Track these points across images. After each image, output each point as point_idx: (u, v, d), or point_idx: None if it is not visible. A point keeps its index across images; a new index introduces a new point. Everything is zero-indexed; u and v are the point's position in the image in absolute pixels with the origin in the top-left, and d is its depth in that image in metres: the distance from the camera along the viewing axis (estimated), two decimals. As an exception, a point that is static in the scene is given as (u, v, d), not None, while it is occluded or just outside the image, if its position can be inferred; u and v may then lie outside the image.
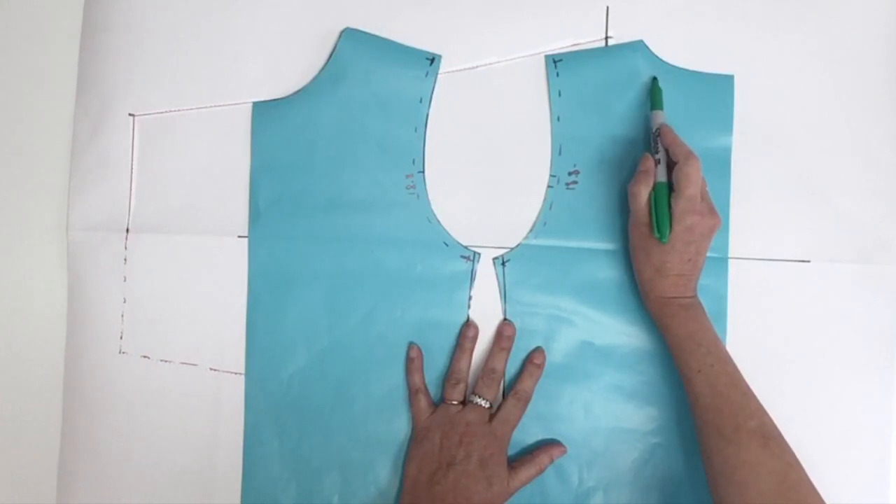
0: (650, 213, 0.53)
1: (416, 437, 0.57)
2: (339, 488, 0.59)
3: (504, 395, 0.58)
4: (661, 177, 0.53)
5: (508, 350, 0.58)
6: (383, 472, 0.59)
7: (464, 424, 0.55)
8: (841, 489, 0.58)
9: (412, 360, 0.58)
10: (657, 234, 0.52)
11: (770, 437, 0.49)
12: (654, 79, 0.58)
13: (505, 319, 0.59)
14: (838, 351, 0.59)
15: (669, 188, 0.53)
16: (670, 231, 0.52)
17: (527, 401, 0.57)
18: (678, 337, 0.53)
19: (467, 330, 0.58)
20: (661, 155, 0.54)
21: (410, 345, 0.59)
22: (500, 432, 0.55)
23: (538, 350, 0.58)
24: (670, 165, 0.54)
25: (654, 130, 0.55)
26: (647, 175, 0.53)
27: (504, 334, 0.58)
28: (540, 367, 0.58)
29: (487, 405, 0.56)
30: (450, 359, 0.59)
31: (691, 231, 0.52)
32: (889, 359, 0.59)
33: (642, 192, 0.53)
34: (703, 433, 0.51)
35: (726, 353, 0.52)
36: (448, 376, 0.58)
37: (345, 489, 0.59)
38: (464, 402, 0.57)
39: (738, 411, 0.50)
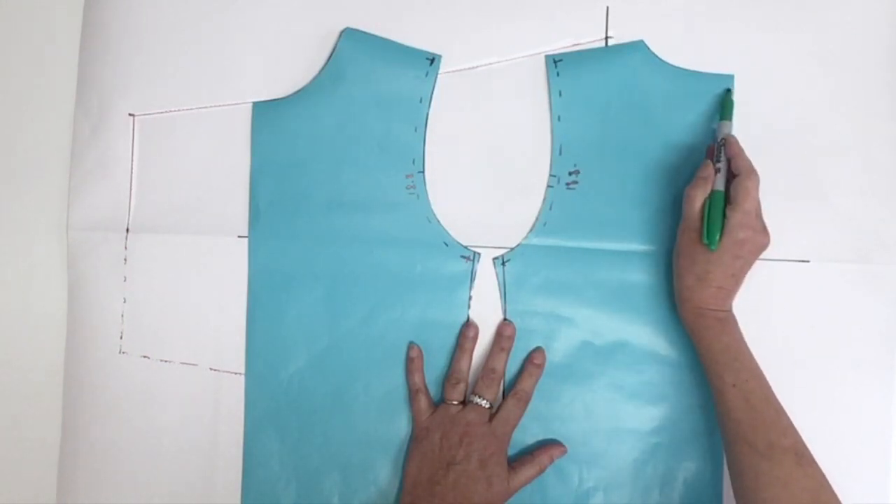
0: (702, 220, 0.53)
1: (416, 437, 0.57)
2: (339, 488, 0.59)
3: (504, 395, 0.58)
4: (719, 186, 0.53)
5: (508, 350, 0.58)
6: (383, 472, 0.59)
7: (464, 424, 0.55)
8: (841, 489, 0.58)
9: (412, 359, 0.58)
10: (706, 241, 0.52)
11: (803, 457, 0.49)
12: (728, 90, 0.58)
13: (505, 319, 0.59)
14: (838, 351, 0.59)
15: (725, 199, 0.53)
16: (720, 240, 0.51)
17: (527, 401, 0.57)
18: (713, 350, 0.52)
19: (467, 330, 0.58)
20: (722, 164, 0.54)
21: (410, 345, 0.59)
22: (501, 432, 0.55)
23: (538, 350, 0.58)
24: (728, 178, 0.54)
25: (719, 139, 0.55)
26: (706, 182, 0.53)
27: (504, 334, 0.58)
28: (540, 367, 0.58)
29: (487, 405, 0.56)
30: (450, 359, 0.59)
31: (742, 245, 0.52)
32: (889, 359, 0.59)
33: (698, 197, 0.53)
34: (734, 447, 0.51)
35: (760, 369, 0.52)
36: (448, 376, 0.58)
37: (345, 489, 0.59)
38: (464, 402, 0.57)
39: (772, 428, 0.50)
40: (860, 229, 0.59)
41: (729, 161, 0.54)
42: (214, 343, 0.60)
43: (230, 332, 0.60)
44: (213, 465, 0.59)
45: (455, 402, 0.57)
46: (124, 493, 0.60)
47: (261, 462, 0.59)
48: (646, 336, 0.59)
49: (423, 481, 0.54)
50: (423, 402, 0.57)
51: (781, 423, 0.50)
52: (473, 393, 0.57)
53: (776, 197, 0.59)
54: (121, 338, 0.60)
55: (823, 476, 0.49)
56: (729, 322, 0.53)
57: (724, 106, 0.58)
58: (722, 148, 0.55)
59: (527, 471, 0.56)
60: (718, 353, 0.52)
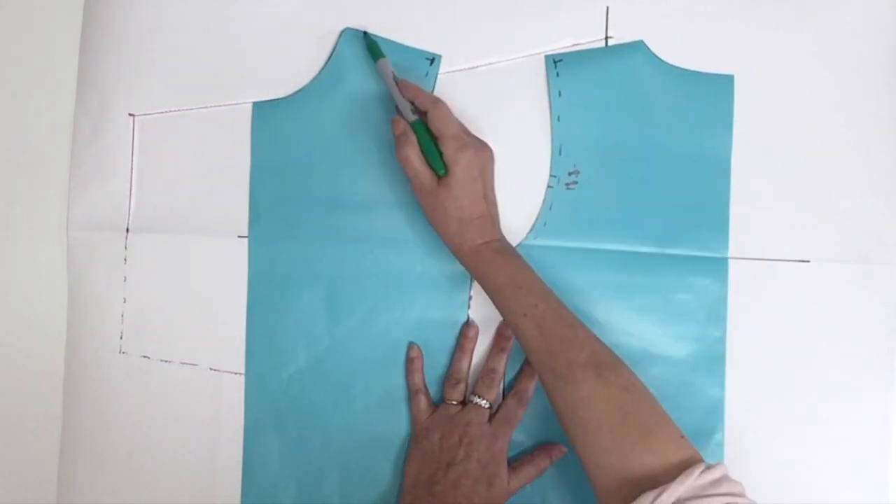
0: (428, 167, 0.53)
1: (416, 438, 0.57)
2: (339, 488, 0.59)
3: (504, 396, 0.58)
4: (410, 118, 0.54)
5: (508, 350, 0.58)
6: (383, 472, 0.59)
7: (463, 425, 0.55)
8: (841, 489, 0.58)
9: (412, 360, 0.58)
10: (437, 171, 0.52)
11: (602, 366, 0.48)
12: (364, 33, 0.58)
13: (504, 321, 0.59)
14: (838, 351, 0.59)
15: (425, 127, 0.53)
16: (448, 169, 0.52)
17: (527, 401, 0.57)
18: (498, 283, 0.51)
19: (467, 330, 0.58)
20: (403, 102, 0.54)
21: (410, 345, 0.59)
22: (501, 433, 0.55)
23: None
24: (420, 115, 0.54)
25: (391, 84, 0.55)
26: (407, 136, 0.53)
27: (503, 335, 0.58)
28: None
29: (487, 405, 0.56)
30: (450, 359, 0.59)
31: (471, 167, 0.52)
32: (889, 359, 0.59)
33: (411, 154, 0.52)
34: (541, 378, 0.50)
35: (549, 289, 0.52)
36: (448, 376, 0.58)
37: (345, 489, 0.59)
38: (464, 403, 0.57)
39: (569, 346, 0.48)
40: (860, 229, 0.59)
41: (412, 102, 0.54)
42: (214, 343, 0.60)
43: (230, 332, 0.60)
44: (213, 465, 0.59)
45: (455, 403, 0.56)
46: (124, 493, 0.60)
47: (261, 462, 0.59)
48: (646, 336, 0.59)
49: (422, 482, 0.54)
50: (422, 403, 0.57)
51: (577, 339, 0.49)
52: (473, 393, 0.57)
53: (776, 197, 0.59)
54: (121, 338, 0.60)
55: (629, 378, 0.48)
56: (506, 252, 0.53)
57: (370, 48, 0.57)
58: (396, 90, 0.55)
59: (526, 472, 0.56)
60: (504, 286, 0.51)
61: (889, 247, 0.59)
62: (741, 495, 0.43)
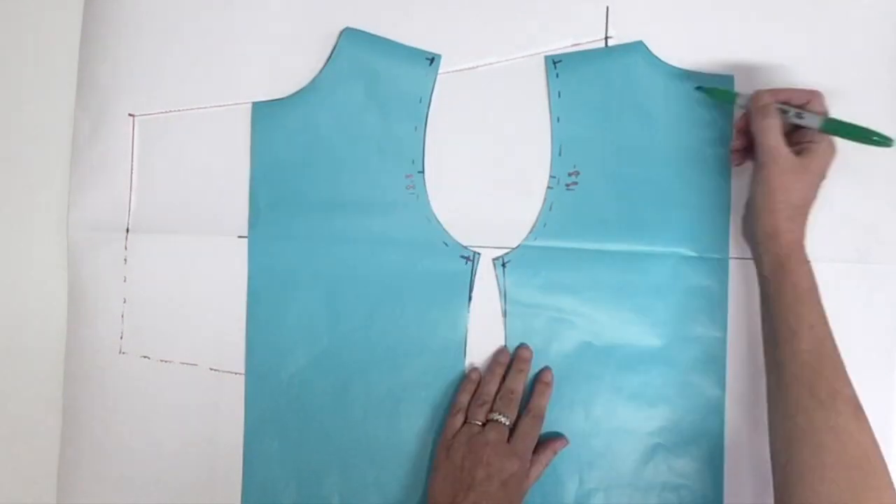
0: (776, 147, 0.51)
1: (440, 455, 0.56)
2: (338, 488, 0.59)
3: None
4: (813, 123, 0.52)
5: (526, 372, 0.58)
6: (383, 472, 0.59)
7: (483, 444, 0.54)
8: (841, 489, 0.58)
9: (471, 380, 0.58)
10: (881, 141, 0.51)
11: (861, 412, 0.48)
12: (698, 87, 0.58)
13: (522, 344, 0.59)
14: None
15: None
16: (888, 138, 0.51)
17: (542, 417, 0.57)
18: (800, 287, 0.50)
19: (499, 355, 0.58)
20: (793, 112, 0.53)
21: (474, 368, 0.59)
22: (520, 449, 0.55)
23: (546, 369, 0.59)
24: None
25: (759, 95, 0.54)
26: (768, 109, 0.52)
27: (521, 357, 0.58)
28: (549, 385, 0.58)
29: (507, 422, 0.56)
30: (449, 361, 0.59)
31: (830, 162, 0.52)
32: (889, 359, 0.59)
33: (772, 126, 0.51)
34: (791, 391, 0.49)
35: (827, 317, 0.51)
36: (475, 397, 0.58)
37: (345, 489, 0.59)
38: (484, 423, 0.57)
39: (837, 376, 0.48)
40: (860, 229, 0.59)
41: (795, 106, 0.53)
42: (214, 343, 0.60)
43: (230, 332, 0.60)
44: (213, 465, 0.59)
45: (479, 423, 0.56)
46: (124, 493, 0.60)
47: (261, 462, 0.59)
48: (646, 336, 0.59)
49: (445, 503, 0.53)
50: (457, 421, 0.57)
51: (846, 374, 0.49)
52: (493, 411, 0.56)
53: (776, 197, 0.59)
54: (121, 338, 0.60)
55: (875, 436, 0.47)
56: (809, 261, 0.52)
57: (720, 96, 0.57)
58: (782, 104, 0.53)
59: (535, 471, 0.56)
60: (805, 292, 0.50)
61: (889, 247, 0.59)
62: None
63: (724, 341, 0.59)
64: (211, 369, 0.60)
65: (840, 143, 0.60)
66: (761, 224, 0.52)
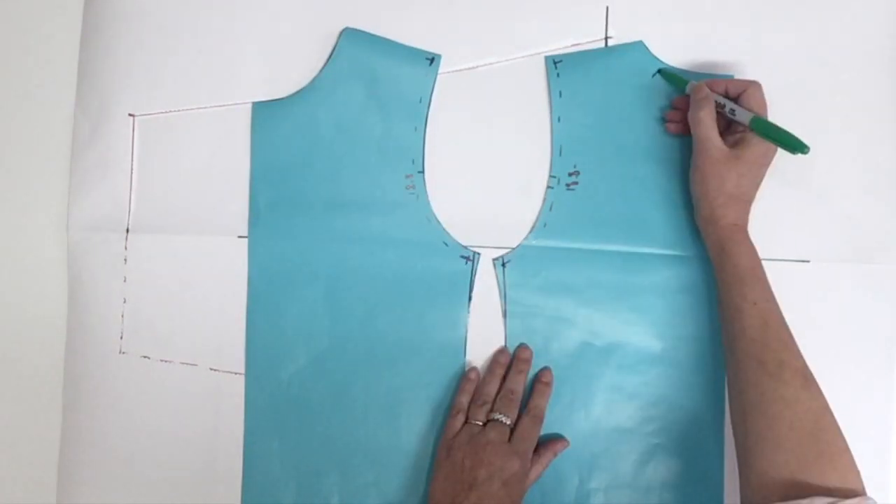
0: (707, 139, 0.53)
1: (441, 455, 0.56)
2: (338, 488, 0.59)
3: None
4: (744, 119, 0.54)
5: (526, 372, 0.58)
6: (383, 472, 0.59)
7: (485, 443, 0.54)
8: (841, 489, 0.58)
9: (469, 380, 0.58)
10: (794, 149, 0.52)
11: (811, 380, 0.49)
12: (659, 70, 0.59)
13: (522, 344, 0.59)
14: (838, 351, 0.59)
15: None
16: (800, 143, 0.52)
17: (542, 418, 0.57)
18: (741, 267, 0.52)
19: (499, 355, 0.59)
20: (729, 106, 0.55)
21: (471, 367, 0.59)
22: (521, 449, 0.55)
23: (546, 369, 0.59)
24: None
25: (699, 87, 0.55)
26: (703, 101, 0.54)
27: (521, 357, 0.58)
28: (549, 385, 0.58)
29: (508, 421, 0.56)
30: (449, 361, 0.59)
31: (767, 153, 0.54)
32: (889, 359, 0.59)
33: (707, 118, 0.54)
34: (742, 365, 0.51)
35: (773, 293, 0.53)
36: (475, 397, 0.58)
37: (344, 489, 0.59)
38: (485, 423, 0.57)
39: (785, 348, 0.50)
40: (860, 229, 0.59)
41: (726, 94, 0.55)
42: (214, 343, 0.60)
43: (230, 332, 0.60)
44: (213, 465, 0.59)
45: (479, 423, 0.56)
46: (124, 493, 0.60)
47: (261, 462, 0.59)
48: (646, 336, 0.59)
49: (446, 503, 0.54)
50: (458, 422, 0.57)
51: (795, 347, 0.51)
52: (493, 411, 0.56)
53: (776, 197, 0.59)
54: (121, 338, 0.60)
55: (827, 402, 0.49)
56: (750, 240, 0.54)
57: (672, 81, 0.58)
58: (720, 97, 0.55)
59: (535, 471, 0.56)
60: (746, 271, 0.52)
61: (889, 247, 0.59)
62: None
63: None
64: (211, 369, 0.60)
65: (841, 139, 0.60)
66: (699, 210, 0.55)
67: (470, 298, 0.59)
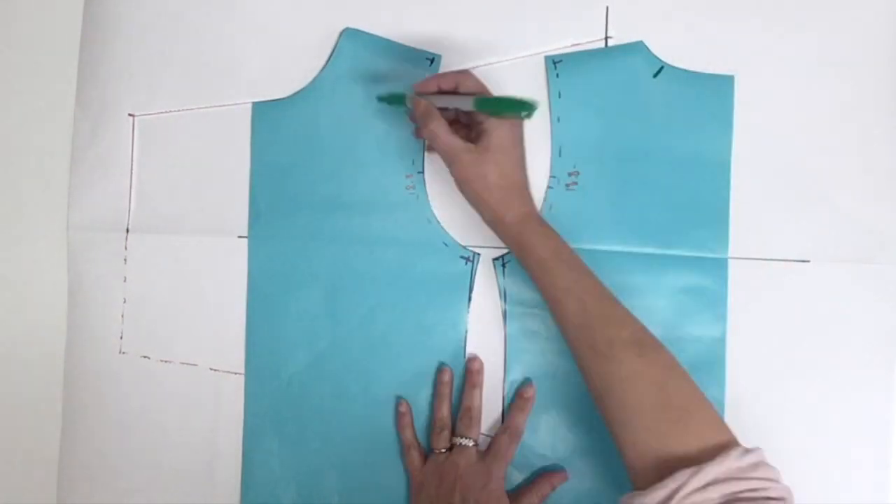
0: (479, 144, 0.50)
1: (413, 491, 0.56)
2: (338, 488, 0.59)
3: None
4: (466, 106, 0.51)
5: (480, 385, 0.57)
6: (383, 473, 0.59)
7: (454, 470, 0.54)
8: (841, 489, 0.58)
9: (402, 414, 0.58)
10: (526, 112, 0.49)
11: (644, 345, 0.47)
12: (378, 96, 0.56)
13: (471, 356, 0.59)
14: (838, 351, 0.59)
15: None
16: (528, 103, 0.49)
17: (519, 436, 0.56)
18: (543, 257, 0.50)
19: (442, 375, 0.58)
20: (451, 105, 0.52)
21: (400, 400, 0.58)
22: (495, 468, 0.54)
23: (528, 384, 0.58)
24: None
25: (417, 102, 0.52)
26: (429, 113, 0.51)
27: (472, 370, 0.58)
28: (530, 400, 0.57)
29: (472, 443, 0.55)
30: (449, 361, 0.59)
31: (512, 132, 0.50)
32: (889, 359, 0.59)
33: (440, 128, 0.50)
34: (578, 354, 0.49)
35: (586, 266, 0.51)
36: (431, 425, 0.57)
37: (344, 489, 0.59)
38: (451, 448, 0.56)
39: (610, 323, 0.48)
40: (860, 229, 0.59)
41: (448, 92, 0.52)
42: (214, 343, 0.60)
43: (230, 332, 0.60)
44: (213, 465, 0.59)
45: (442, 451, 0.56)
46: (124, 493, 0.60)
47: (261, 462, 0.59)
48: (646, 336, 0.59)
49: None
50: (415, 457, 0.57)
51: (619, 316, 0.48)
52: (456, 435, 0.56)
53: (776, 197, 0.59)
54: (121, 338, 0.60)
55: (670, 358, 0.47)
56: (546, 223, 0.52)
57: (390, 102, 0.55)
58: (435, 98, 0.52)
59: (528, 500, 0.55)
60: (548, 259, 0.50)
61: (889, 247, 0.59)
62: (777, 480, 0.42)
63: (723, 341, 0.59)
64: (211, 369, 0.60)
65: (841, 139, 0.60)
66: (482, 217, 0.52)
67: (470, 299, 0.59)
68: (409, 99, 0.53)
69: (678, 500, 0.40)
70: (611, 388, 0.47)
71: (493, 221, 0.52)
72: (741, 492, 0.41)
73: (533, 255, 0.50)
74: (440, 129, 0.50)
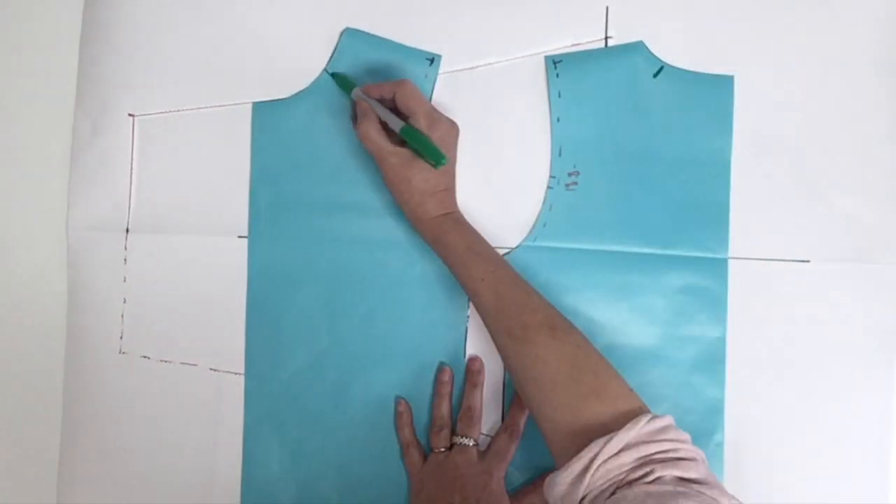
0: (408, 149, 0.53)
1: (413, 491, 0.56)
2: (338, 488, 0.59)
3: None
4: (396, 126, 0.53)
5: (481, 385, 0.58)
6: (383, 472, 0.59)
7: (453, 469, 0.54)
8: (841, 489, 0.58)
9: (401, 414, 0.58)
10: (436, 162, 0.52)
11: (556, 327, 0.49)
12: (332, 74, 0.59)
13: (472, 356, 0.59)
14: (838, 351, 0.59)
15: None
16: (441, 154, 0.52)
17: (519, 435, 0.56)
18: (458, 251, 0.53)
19: (442, 375, 0.58)
20: (384, 117, 0.54)
21: (398, 399, 0.59)
22: (495, 468, 0.55)
23: None
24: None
25: (359, 102, 0.55)
26: (364, 114, 0.54)
27: (472, 370, 0.58)
28: None
29: (472, 443, 0.56)
30: (449, 361, 0.59)
31: (444, 141, 0.53)
32: (889, 359, 0.59)
33: (370, 129, 0.53)
34: (496, 340, 0.51)
35: (501, 257, 0.54)
36: (431, 425, 0.58)
37: (344, 489, 0.59)
38: (451, 447, 0.56)
39: (524, 309, 0.50)
40: (860, 229, 0.59)
41: (381, 101, 0.55)
42: (214, 343, 0.60)
43: (230, 332, 0.60)
44: (213, 465, 0.59)
45: (442, 450, 0.56)
46: (124, 493, 0.60)
47: (261, 462, 0.59)
48: (645, 337, 0.59)
49: None
50: (415, 456, 0.57)
51: (532, 302, 0.50)
52: (456, 435, 0.56)
53: (776, 197, 0.59)
54: (121, 338, 0.60)
55: (581, 337, 0.49)
56: (463, 222, 0.55)
57: (340, 85, 0.58)
58: (370, 101, 0.54)
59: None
60: (463, 253, 0.53)
61: (889, 247, 0.59)
62: (686, 442, 0.43)
63: (723, 341, 0.59)
64: (211, 369, 0.60)
65: (841, 139, 0.60)
66: (405, 214, 0.55)
67: (470, 299, 0.59)
68: (355, 94, 0.56)
69: (594, 469, 0.42)
70: (526, 369, 0.48)
71: (413, 220, 0.55)
72: (654, 454, 0.42)
73: (448, 249, 0.53)
74: (371, 130, 0.53)
